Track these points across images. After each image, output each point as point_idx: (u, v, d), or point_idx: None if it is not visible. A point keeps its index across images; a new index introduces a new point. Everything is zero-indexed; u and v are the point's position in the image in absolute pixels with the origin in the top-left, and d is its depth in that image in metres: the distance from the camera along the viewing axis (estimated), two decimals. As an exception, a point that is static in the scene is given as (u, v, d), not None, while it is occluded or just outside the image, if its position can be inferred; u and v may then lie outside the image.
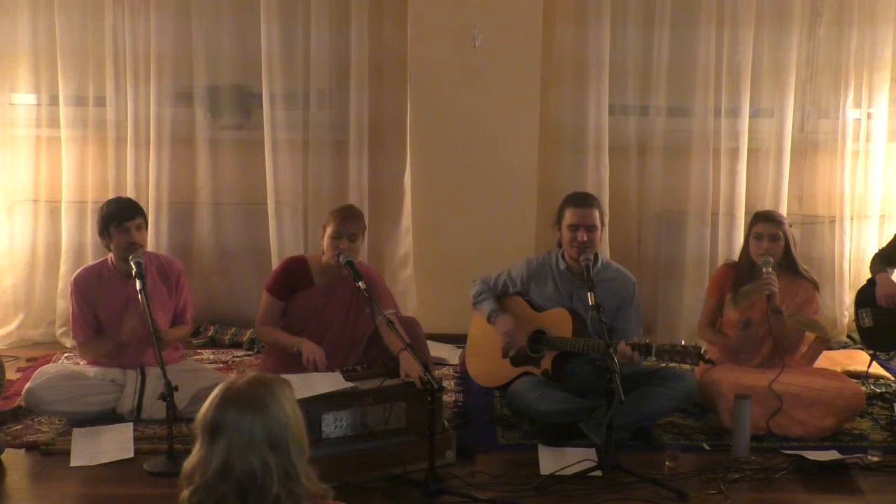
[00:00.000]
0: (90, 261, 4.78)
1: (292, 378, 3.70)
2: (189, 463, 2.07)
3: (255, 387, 2.08)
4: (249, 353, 5.26)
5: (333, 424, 3.61)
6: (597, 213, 4.21)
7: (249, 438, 2.01)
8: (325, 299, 4.25)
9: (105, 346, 4.27)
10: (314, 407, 3.54)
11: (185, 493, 2.06)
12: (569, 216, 4.21)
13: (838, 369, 4.78)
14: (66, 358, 5.05)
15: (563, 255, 4.28)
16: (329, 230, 4.17)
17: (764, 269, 4.21)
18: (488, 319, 4.33)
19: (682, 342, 3.87)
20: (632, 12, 5.43)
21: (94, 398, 4.16)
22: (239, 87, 5.57)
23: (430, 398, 3.49)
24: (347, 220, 4.17)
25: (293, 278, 4.27)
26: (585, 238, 4.14)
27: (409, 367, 3.77)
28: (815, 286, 4.44)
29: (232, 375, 2.20)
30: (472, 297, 4.45)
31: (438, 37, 5.28)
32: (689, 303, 5.46)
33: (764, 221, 4.36)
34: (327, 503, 2.12)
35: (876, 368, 4.97)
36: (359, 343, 4.26)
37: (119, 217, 4.16)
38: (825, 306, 5.28)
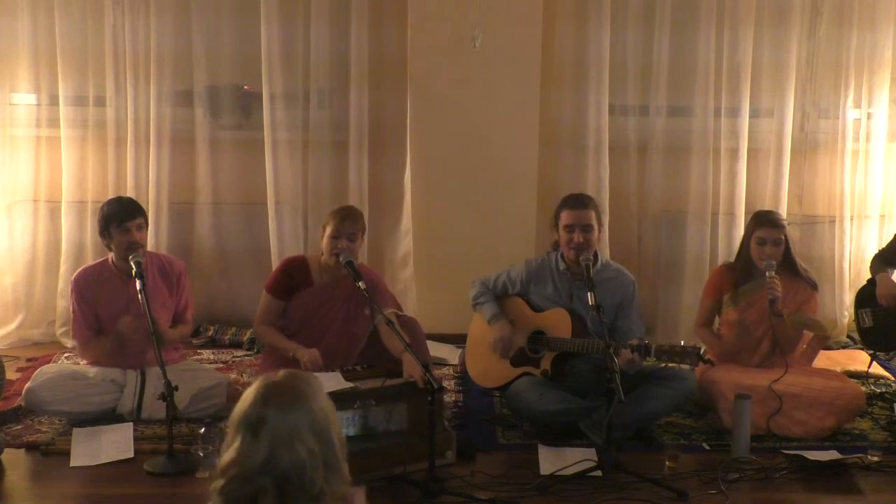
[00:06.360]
0: (90, 261, 4.78)
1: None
2: (225, 458, 2.04)
3: (294, 381, 2.09)
4: (249, 353, 5.25)
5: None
6: (592, 214, 4.21)
7: (296, 430, 2.01)
8: (325, 299, 4.25)
9: (105, 346, 4.26)
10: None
11: (218, 483, 2.03)
12: (564, 217, 4.21)
13: (838, 369, 4.78)
14: (66, 358, 5.05)
15: (562, 256, 4.29)
16: (328, 230, 4.18)
17: (767, 273, 4.19)
18: (489, 323, 4.34)
19: (682, 342, 3.87)
20: (632, 12, 5.42)
21: (94, 398, 4.16)
22: (239, 87, 5.57)
23: (430, 398, 3.50)
24: (346, 219, 4.17)
25: (293, 278, 4.27)
26: (581, 239, 4.14)
27: (412, 368, 3.78)
28: (814, 287, 4.43)
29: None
30: (471, 299, 4.44)
31: (438, 37, 5.28)
32: (688, 303, 5.45)
33: (767, 226, 4.31)
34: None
35: (876, 368, 4.97)
36: (358, 343, 4.26)
37: (120, 217, 4.16)
38: (825, 306, 5.28)
